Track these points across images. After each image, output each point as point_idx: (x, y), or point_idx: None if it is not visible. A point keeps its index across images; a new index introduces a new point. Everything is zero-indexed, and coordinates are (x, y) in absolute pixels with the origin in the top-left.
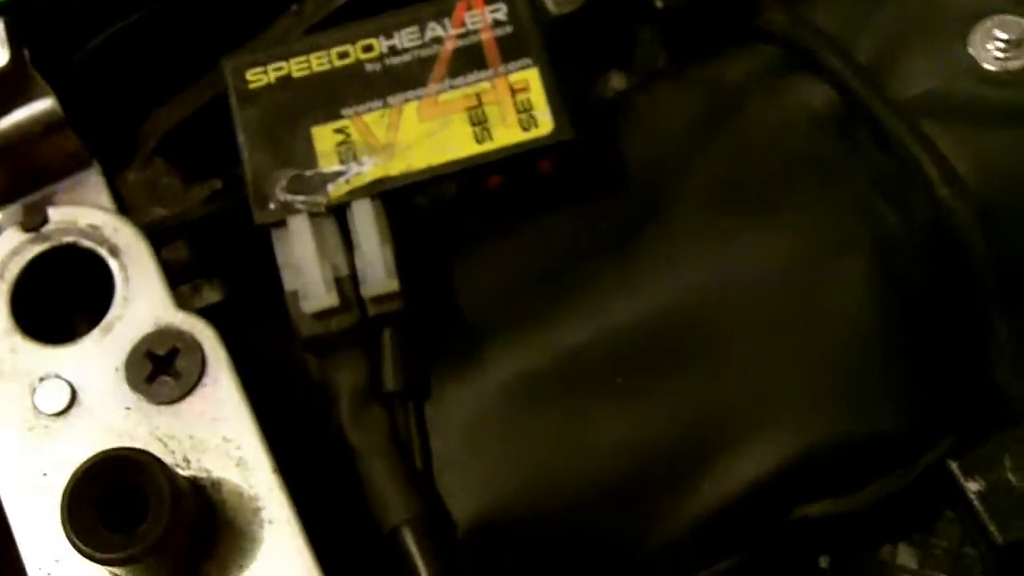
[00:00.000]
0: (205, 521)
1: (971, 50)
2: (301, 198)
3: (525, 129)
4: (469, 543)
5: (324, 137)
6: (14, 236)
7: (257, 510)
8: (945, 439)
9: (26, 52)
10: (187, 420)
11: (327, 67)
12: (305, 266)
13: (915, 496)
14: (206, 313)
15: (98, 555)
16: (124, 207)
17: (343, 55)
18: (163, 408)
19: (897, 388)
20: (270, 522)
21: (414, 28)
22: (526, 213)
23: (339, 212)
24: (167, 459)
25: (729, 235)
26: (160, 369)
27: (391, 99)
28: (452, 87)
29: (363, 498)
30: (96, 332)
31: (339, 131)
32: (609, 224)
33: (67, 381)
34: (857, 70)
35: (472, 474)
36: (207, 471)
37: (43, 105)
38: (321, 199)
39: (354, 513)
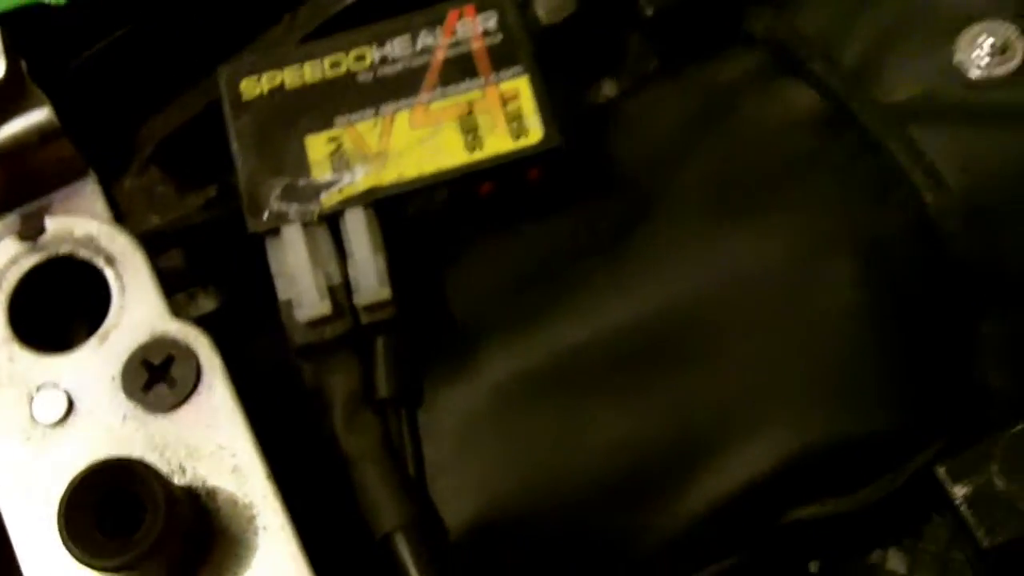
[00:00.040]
0: (200, 528)
1: (957, 56)
2: (294, 207)
3: (515, 137)
4: (466, 545)
5: (317, 146)
6: (11, 246)
7: (252, 517)
8: (937, 441)
9: (23, 62)
10: (183, 428)
11: (320, 76)
12: (298, 274)
13: (905, 500)
14: (201, 321)
15: (94, 561)
16: (120, 215)
17: (336, 64)
18: (159, 416)
19: (888, 388)
20: (264, 529)
21: (406, 37)
22: (519, 217)
23: (332, 221)
24: (163, 467)
25: (720, 236)
26: (156, 377)
27: (383, 108)
28: (443, 96)
29: (357, 504)
30: (93, 341)
31: (332, 140)
32: (601, 225)
33: (64, 390)
34: (842, 76)
35: (467, 477)
36: (202, 478)
37: (39, 115)
38: (314, 208)
39: (348, 519)
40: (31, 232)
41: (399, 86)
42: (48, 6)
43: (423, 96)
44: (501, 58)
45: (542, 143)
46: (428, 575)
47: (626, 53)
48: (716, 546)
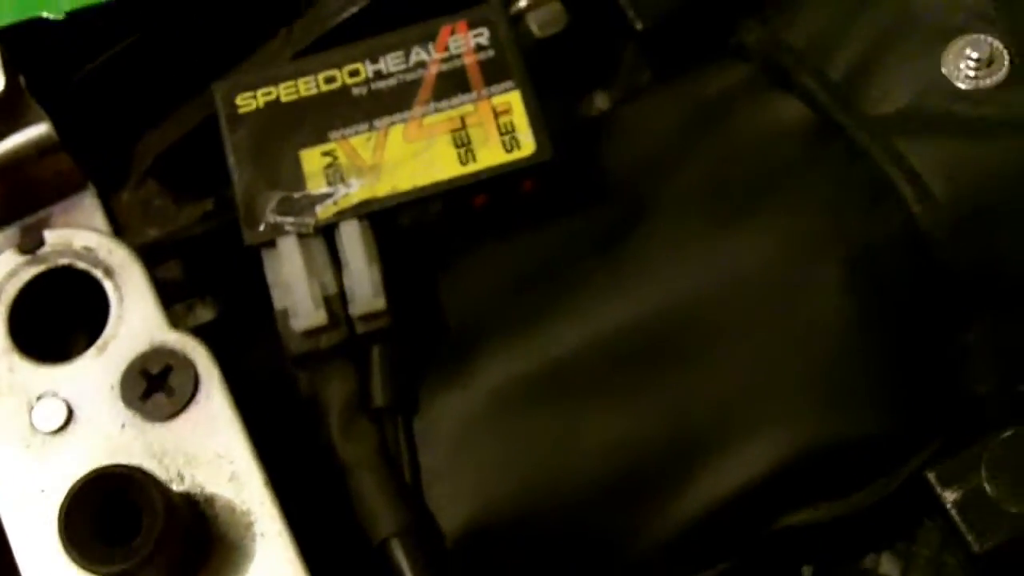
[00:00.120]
0: (198, 535)
1: (944, 68)
2: (290, 219)
3: (508, 150)
4: (463, 550)
5: (312, 159)
6: (11, 258)
7: (249, 524)
8: (929, 445)
9: (22, 78)
10: (181, 436)
11: (314, 91)
12: (294, 285)
13: (898, 504)
14: (199, 331)
15: (94, 568)
16: (118, 228)
17: (330, 79)
18: (157, 425)
19: (878, 392)
20: (262, 535)
21: (399, 53)
22: (513, 226)
23: (327, 232)
24: (161, 474)
25: (710, 241)
26: (154, 387)
27: (377, 122)
28: (436, 110)
29: (353, 512)
30: (92, 351)
31: (327, 153)
32: (596, 230)
33: (64, 399)
34: (830, 88)
35: (464, 482)
36: (200, 486)
37: (38, 130)
38: (309, 220)
39: (345, 527)
40: (30, 244)
41: (393, 100)
42: (47, 21)
43: (416, 110)
44: (493, 73)
45: (534, 156)
46: None
47: (619, 66)
48: (711, 550)
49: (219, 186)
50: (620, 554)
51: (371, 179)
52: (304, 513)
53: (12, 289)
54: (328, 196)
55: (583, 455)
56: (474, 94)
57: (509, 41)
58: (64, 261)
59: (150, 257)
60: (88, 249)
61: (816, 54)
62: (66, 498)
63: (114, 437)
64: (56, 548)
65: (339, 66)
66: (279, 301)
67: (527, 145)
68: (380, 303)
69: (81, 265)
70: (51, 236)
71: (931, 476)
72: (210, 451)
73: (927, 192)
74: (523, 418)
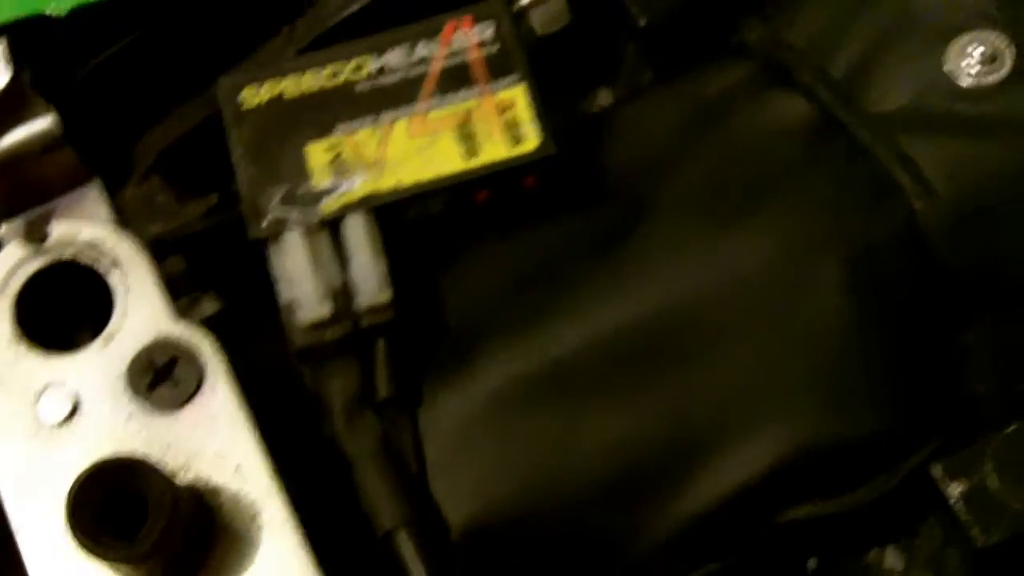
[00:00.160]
0: (203, 525)
1: (946, 66)
2: (295, 213)
3: (511, 145)
4: (462, 546)
5: (316, 154)
6: (17, 250)
7: (255, 514)
8: (930, 443)
9: (26, 72)
10: (187, 427)
11: (319, 86)
12: (299, 279)
13: (901, 499)
14: (205, 324)
15: (99, 557)
16: (122, 222)
17: (334, 74)
18: (163, 416)
19: (877, 391)
20: (268, 525)
21: (403, 48)
22: (515, 223)
23: (332, 226)
24: (167, 465)
25: (714, 237)
26: (160, 378)
27: (381, 117)
28: (441, 105)
29: (358, 504)
30: (97, 342)
31: (331, 148)
32: (596, 230)
33: (69, 390)
34: (832, 86)
35: (464, 480)
36: (205, 477)
37: (43, 124)
38: (314, 214)
39: (350, 518)
40: (36, 237)
41: (397, 95)
42: (51, 17)
43: (421, 105)
44: (497, 68)
45: (538, 151)
46: (430, 572)
47: (621, 64)
48: (711, 547)
49: (223, 181)
50: (621, 552)
51: (375, 173)
52: (309, 505)
53: (18, 281)
54: (333, 190)
55: (583, 455)
56: (478, 89)
57: (513, 36)
58: (70, 253)
59: (154, 252)
60: (94, 241)
61: (817, 52)
62: (72, 488)
63: (119, 428)
64: (61, 538)
65: (343, 61)
66: (284, 294)
67: (531, 140)
68: (386, 296)
69: (87, 257)
70: (57, 228)
71: (935, 471)
72: (215, 442)
73: (930, 189)
74: (523, 418)
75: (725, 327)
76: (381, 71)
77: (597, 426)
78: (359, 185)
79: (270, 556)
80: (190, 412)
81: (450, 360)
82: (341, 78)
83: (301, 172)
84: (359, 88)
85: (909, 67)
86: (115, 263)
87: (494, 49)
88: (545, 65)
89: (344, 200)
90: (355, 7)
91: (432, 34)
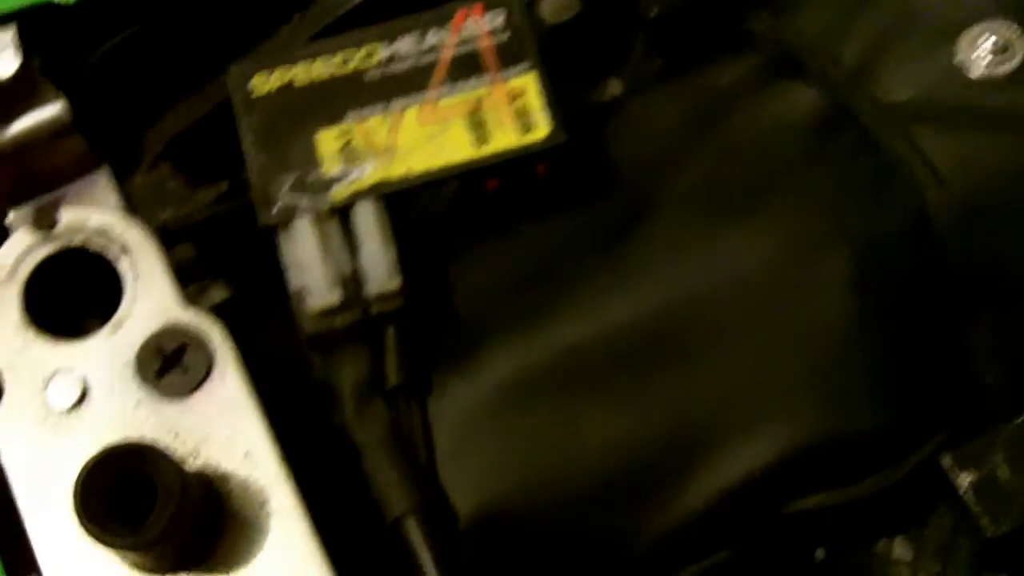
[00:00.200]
0: (212, 511)
1: (958, 56)
2: (305, 200)
3: (522, 133)
4: (470, 534)
5: (327, 141)
6: (26, 237)
7: (264, 501)
8: (936, 435)
9: (36, 59)
10: (195, 414)
11: (330, 73)
12: (309, 266)
13: (910, 490)
14: (214, 312)
15: (109, 543)
16: (132, 209)
17: (345, 62)
18: (172, 402)
19: (882, 387)
20: (277, 512)
21: (414, 35)
22: (522, 214)
23: (342, 213)
24: (176, 452)
25: (717, 236)
26: (169, 364)
27: (392, 104)
28: (451, 92)
29: (367, 490)
30: (107, 329)
31: (342, 135)
32: (603, 224)
33: (78, 376)
34: (842, 76)
35: (471, 468)
36: (215, 463)
37: (52, 110)
38: (324, 201)
39: (359, 505)
40: (45, 223)
41: (408, 83)
42: (58, 4)
43: (431, 93)
44: (508, 55)
45: (549, 139)
46: (438, 559)
47: (631, 54)
48: (714, 540)
49: (234, 169)
50: (624, 545)
51: (386, 161)
52: (318, 493)
53: (27, 267)
54: (343, 177)
55: (584, 451)
56: (489, 77)
57: (524, 24)
58: (79, 239)
59: (163, 240)
60: (103, 227)
61: (828, 43)
62: (81, 474)
63: (128, 414)
64: (70, 524)
65: (354, 49)
66: (294, 282)
67: (542, 128)
68: (396, 283)
69: (96, 243)
70: (66, 214)
71: (945, 461)
72: (225, 428)
73: (941, 180)
74: (527, 411)
75: (726, 325)
76: (392, 58)
77: (598, 422)
78: (369, 172)
79: (279, 543)
80: (199, 399)
81: (458, 350)
82: (352, 65)
83: (311, 159)
84: (370, 75)
85: (920, 58)
86: (124, 250)
87: (505, 37)
88: (555, 54)
89: (354, 187)
90: None
91: (443, 22)
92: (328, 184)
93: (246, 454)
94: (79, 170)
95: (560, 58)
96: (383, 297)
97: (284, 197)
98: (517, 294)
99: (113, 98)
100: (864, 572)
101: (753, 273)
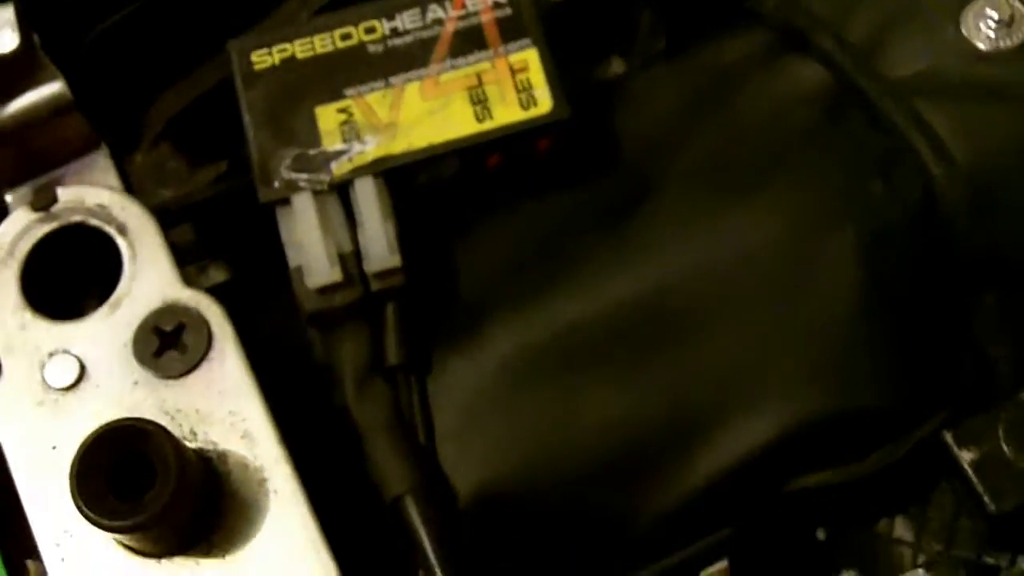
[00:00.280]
0: (211, 491)
1: (963, 30)
2: (305, 176)
3: (524, 108)
4: (470, 514)
5: (327, 117)
6: (24, 216)
7: (262, 481)
8: (939, 412)
9: (36, 36)
10: (194, 394)
11: (330, 48)
12: (309, 242)
13: (911, 468)
14: (212, 292)
15: (106, 523)
16: (131, 190)
17: (346, 36)
18: (170, 382)
19: (886, 363)
20: (275, 492)
21: (416, 10)
22: (524, 192)
23: (342, 190)
24: (174, 431)
25: (721, 213)
26: (167, 344)
27: (393, 79)
28: (453, 67)
29: (366, 470)
30: (104, 308)
31: (342, 111)
32: (605, 202)
33: (76, 356)
34: (849, 52)
35: (472, 447)
36: (213, 443)
37: (52, 89)
38: (324, 177)
39: (358, 485)
40: (43, 203)
41: (409, 58)
42: None
43: (433, 68)
44: (510, 30)
45: (551, 113)
46: (437, 537)
47: (636, 31)
48: (715, 518)
49: (234, 148)
50: (625, 524)
51: (387, 136)
52: (318, 472)
53: (25, 246)
54: (343, 153)
55: (584, 430)
56: (491, 52)
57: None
58: (77, 218)
59: (163, 219)
60: (101, 206)
61: (835, 18)
62: (78, 452)
63: (126, 394)
64: (68, 504)
65: (355, 23)
66: (294, 259)
67: (544, 103)
68: (395, 260)
69: (94, 222)
70: (64, 193)
71: (948, 437)
72: (223, 408)
73: (947, 155)
74: (529, 390)
75: (729, 303)
76: (393, 33)
77: (599, 401)
78: (370, 148)
79: (277, 522)
80: (197, 378)
81: (459, 328)
82: (353, 40)
83: (312, 135)
84: (371, 51)
85: (926, 32)
86: (122, 229)
87: (507, 12)
88: (559, 32)
89: (355, 163)
90: None
91: None
92: (328, 160)
93: (244, 434)
94: (78, 150)
95: (563, 36)
96: (383, 274)
97: (284, 173)
98: (518, 272)
99: (113, 77)
100: (865, 551)
101: (757, 250)
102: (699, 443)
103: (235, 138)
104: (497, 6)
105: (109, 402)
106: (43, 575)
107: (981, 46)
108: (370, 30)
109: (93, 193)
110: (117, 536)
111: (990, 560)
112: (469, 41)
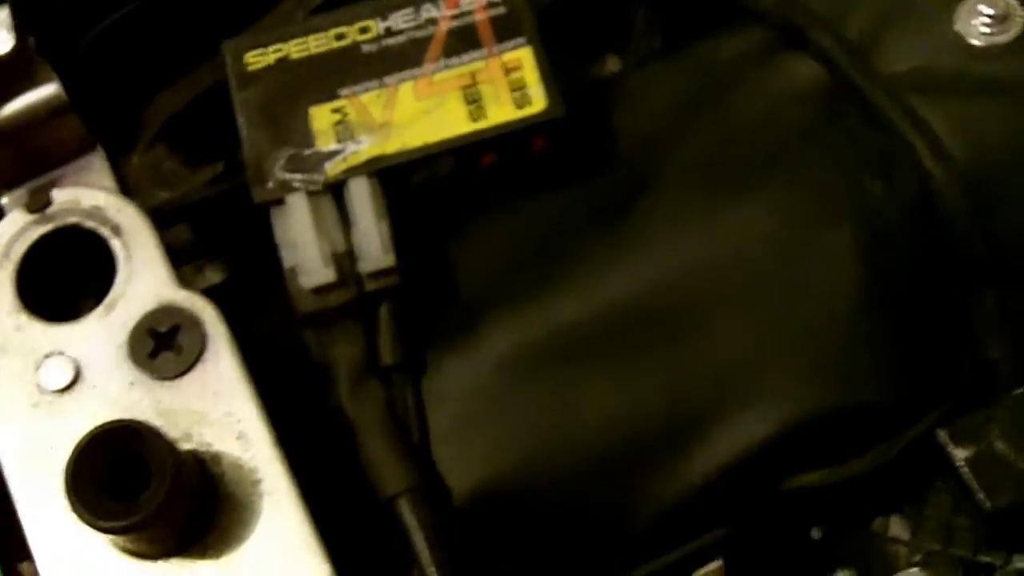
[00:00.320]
0: (205, 492)
1: (957, 26)
2: (299, 176)
3: (519, 107)
4: (465, 514)
5: (321, 117)
6: (19, 218)
7: (257, 482)
8: (935, 410)
9: (31, 38)
10: (189, 395)
11: (325, 48)
12: (303, 242)
13: (906, 467)
14: (208, 293)
15: (102, 524)
16: (127, 191)
17: (340, 36)
18: (165, 383)
19: (884, 359)
20: (270, 494)
21: (410, 10)
22: (520, 191)
23: (336, 190)
24: (169, 433)
25: (718, 210)
26: (162, 345)
27: (387, 79)
28: (447, 67)
29: (361, 471)
30: (99, 310)
31: (336, 111)
32: (601, 200)
33: (71, 358)
34: (845, 47)
35: (469, 446)
36: (208, 444)
37: (47, 90)
38: (319, 177)
39: (353, 485)
40: (38, 204)
41: (403, 57)
42: None
43: (427, 67)
44: (504, 29)
45: (546, 112)
46: (432, 538)
47: (631, 29)
48: (711, 516)
49: (230, 149)
50: (623, 521)
51: (381, 136)
52: (312, 473)
53: (20, 248)
54: (337, 153)
55: (583, 427)
56: (485, 51)
57: None
58: (72, 220)
59: (159, 220)
60: (96, 208)
61: (831, 15)
62: (73, 453)
63: (122, 396)
64: (62, 506)
65: (349, 23)
66: (288, 259)
67: (538, 102)
68: (389, 260)
69: (89, 224)
70: (59, 195)
71: (942, 435)
72: (218, 410)
73: (943, 151)
74: (526, 388)
75: (726, 300)
76: (387, 33)
77: (597, 398)
78: (364, 148)
79: (272, 523)
80: (192, 380)
81: (455, 327)
82: (347, 40)
83: (306, 135)
84: (365, 50)
85: (921, 28)
86: (117, 230)
87: (501, 11)
88: (554, 30)
89: (349, 163)
90: None
91: None
92: (323, 160)
93: (239, 435)
94: (74, 150)
95: (558, 35)
96: (377, 274)
97: (278, 174)
98: (514, 270)
99: (109, 78)
100: (861, 550)
101: (754, 247)
102: (697, 440)
103: (231, 139)
104: (491, 5)
105: (104, 403)
106: None
107: (975, 42)
108: (364, 30)
109: (88, 195)
110: (112, 537)
111: (986, 559)
112: (463, 40)
